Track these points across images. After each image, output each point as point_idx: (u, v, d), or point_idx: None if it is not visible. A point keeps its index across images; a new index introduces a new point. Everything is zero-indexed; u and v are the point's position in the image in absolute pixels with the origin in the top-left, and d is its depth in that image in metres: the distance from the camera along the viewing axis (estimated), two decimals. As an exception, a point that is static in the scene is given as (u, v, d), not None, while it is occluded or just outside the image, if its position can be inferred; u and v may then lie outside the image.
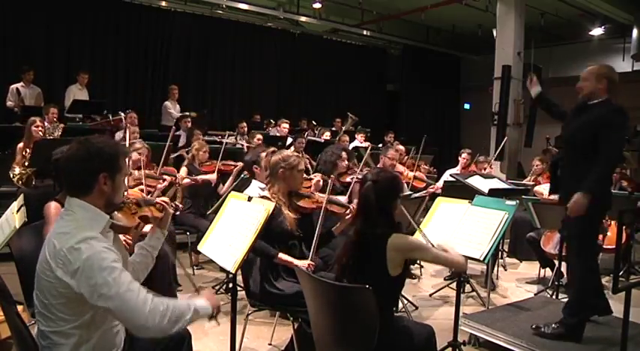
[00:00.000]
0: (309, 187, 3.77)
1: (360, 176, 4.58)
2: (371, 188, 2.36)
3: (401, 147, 6.69)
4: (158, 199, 2.25)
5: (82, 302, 1.69)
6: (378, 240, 2.28)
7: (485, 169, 6.23)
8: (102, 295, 1.65)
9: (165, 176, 4.55)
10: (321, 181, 3.95)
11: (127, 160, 1.93)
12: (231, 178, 5.18)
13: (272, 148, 3.54)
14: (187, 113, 8.22)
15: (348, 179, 4.50)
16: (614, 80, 3.11)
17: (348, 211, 3.06)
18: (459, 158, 6.72)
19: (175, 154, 5.84)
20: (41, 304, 1.75)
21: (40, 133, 5.09)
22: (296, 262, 2.81)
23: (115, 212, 1.94)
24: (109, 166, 1.81)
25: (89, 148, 1.80)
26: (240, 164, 5.20)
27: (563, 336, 3.04)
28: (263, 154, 4.02)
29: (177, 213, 4.22)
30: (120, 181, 1.88)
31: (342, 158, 4.43)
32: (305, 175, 3.53)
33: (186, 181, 4.93)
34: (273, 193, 3.02)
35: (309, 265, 2.78)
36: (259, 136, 7.06)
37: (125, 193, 2.07)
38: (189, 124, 7.58)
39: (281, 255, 2.84)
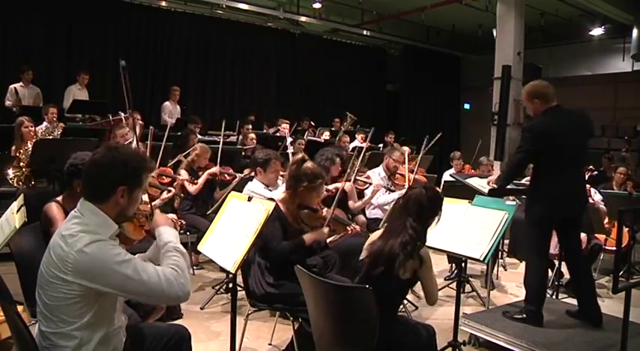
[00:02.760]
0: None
1: (361, 178, 4.62)
2: (424, 195, 2.45)
3: (406, 148, 6.66)
4: (167, 216, 2.23)
5: (86, 303, 1.71)
6: (415, 250, 2.35)
7: (489, 171, 6.14)
8: (128, 290, 1.72)
9: (168, 188, 4.49)
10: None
11: (149, 175, 1.93)
12: (229, 187, 5.10)
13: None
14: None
15: (360, 184, 4.57)
16: (542, 93, 3.37)
17: (348, 231, 3.16)
18: (451, 163, 6.75)
19: (174, 160, 5.80)
20: (43, 305, 1.75)
21: (32, 132, 5.05)
22: (322, 233, 2.94)
23: (124, 223, 1.94)
24: (131, 179, 1.81)
25: (115, 157, 1.80)
26: (239, 176, 5.17)
27: (525, 320, 3.31)
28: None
29: (181, 231, 4.19)
30: (137, 196, 1.87)
31: (336, 164, 4.41)
32: None
33: (189, 187, 4.88)
34: (284, 200, 3.01)
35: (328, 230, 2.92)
36: (252, 136, 7.02)
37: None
38: (198, 129, 7.52)
39: (306, 236, 2.91)
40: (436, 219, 2.52)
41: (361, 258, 2.51)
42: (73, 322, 1.72)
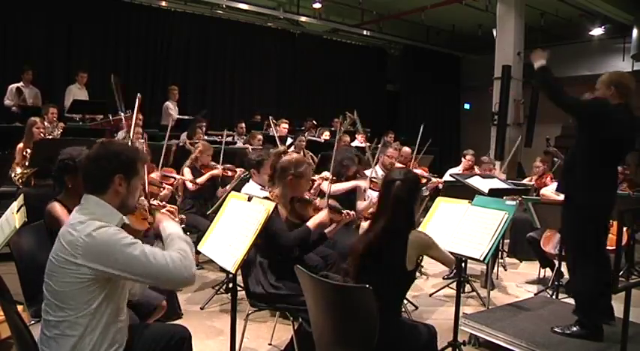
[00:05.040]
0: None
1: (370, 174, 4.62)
2: (400, 187, 2.40)
3: (407, 149, 6.68)
4: (166, 208, 2.27)
5: (96, 287, 1.76)
6: (400, 236, 2.35)
7: (490, 170, 6.14)
8: (136, 271, 1.75)
9: (165, 185, 4.52)
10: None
11: (144, 166, 2.02)
12: (231, 183, 5.13)
13: (282, 148, 3.52)
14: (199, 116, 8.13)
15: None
16: (624, 85, 3.17)
17: (343, 217, 3.08)
18: (463, 159, 6.69)
19: (179, 143, 5.81)
20: (52, 294, 1.79)
21: (42, 134, 5.09)
22: (322, 216, 2.94)
23: (127, 215, 1.98)
24: (126, 168, 1.89)
25: (109, 148, 1.90)
26: (241, 170, 5.19)
27: (583, 336, 3.06)
28: (271, 153, 3.98)
29: (182, 226, 4.19)
30: (136, 186, 1.96)
31: (355, 164, 4.55)
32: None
33: (190, 185, 4.89)
34: (275, 195, 3.01)
35: (327, 213, 2.93)
36: (260, 137, 7.06)
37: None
38: (204, 128, 7.56)
39: (309, 223, 2.92)
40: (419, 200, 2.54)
41: (355, 250, 2.49)
42: (81, 309, 1.77)
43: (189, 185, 4.91)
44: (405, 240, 2.34)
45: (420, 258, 2.44)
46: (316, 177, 4.17)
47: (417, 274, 4.94)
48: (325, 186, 3.99)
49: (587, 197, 3.10)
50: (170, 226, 2.02)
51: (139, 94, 4.03)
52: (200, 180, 4.98)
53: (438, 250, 2.45)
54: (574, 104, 3.24)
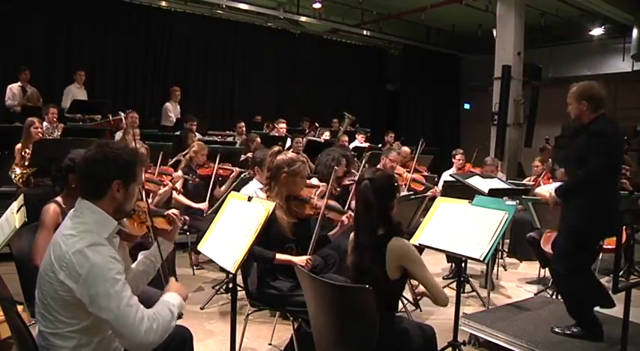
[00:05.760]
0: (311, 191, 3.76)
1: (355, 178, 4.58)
2: (368, 187, 2.34)
3: (406, 149, 6.68)
4: (168, 211, 2.25)
5: (81, 307, 1.68)
6: (379, 242, 2.28)
7: (492, 171, 6.08)
8: (101, 306, 1.64)
9: (164, 181, 4.51)
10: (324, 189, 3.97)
11: (142, 169, 1.91)
12: (227, 183, 5.13)
13: (277, 148, 3.50)
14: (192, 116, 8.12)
15: (346, 182, 4.54)
16: (594, 97, 3.03)
17: (345, 218, 3.02)
18: (453, 160, 6.71)
19: (174, 160, 5.80)
20: (41, 305, 1.74)
21: (40, 134, 5.08)
22: (294, 259, 2.80)
23: (124, 219, 1.93)
24: (124, 173, 1.80)
25: (107, 153, 1.79)
26: (237, 170, 5.18)
27: (583, 336, 3.05)
28: (274, 149, 3.96)
29: (185, 227, 4.18)
30: (133, 190, 1.86)
31: (342, 165, 4.43)
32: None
33: (181, 198, 4.80)
34: (271, 196, 3.01)
35: (307, 260, 2.77)
36: (258, 141, 7.03)
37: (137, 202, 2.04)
38: (195, 127, 7.55)
39: (278, 255, 2.84)
40: (394, 203, 2.38)
41: (348, 262, 2.47)
42: (70, 324, 1.71)
43: (174, 193, 4.81)
44: (382, 249, 2.24)
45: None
46: (313, 196, 4.08)
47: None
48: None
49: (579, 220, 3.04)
50: (172, 297, 1.88)
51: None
52: (183, 200, 4.81)
53: (419, 266, 2.29)
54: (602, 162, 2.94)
